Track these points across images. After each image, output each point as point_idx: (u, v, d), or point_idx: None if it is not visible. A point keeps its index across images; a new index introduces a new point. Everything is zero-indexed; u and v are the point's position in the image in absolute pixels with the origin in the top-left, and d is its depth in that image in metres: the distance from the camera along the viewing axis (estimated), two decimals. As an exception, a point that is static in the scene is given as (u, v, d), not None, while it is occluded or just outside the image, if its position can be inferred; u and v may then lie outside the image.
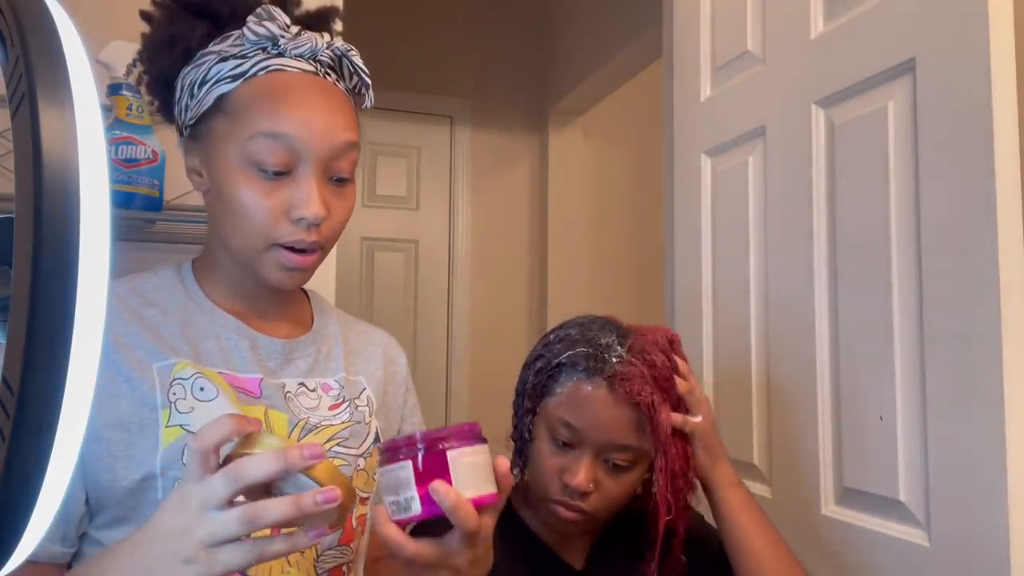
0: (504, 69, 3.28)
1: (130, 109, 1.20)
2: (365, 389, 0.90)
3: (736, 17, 1.38)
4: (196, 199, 1.32)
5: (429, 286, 3.21)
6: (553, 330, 0.98)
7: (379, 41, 3.20)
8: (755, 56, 1.33)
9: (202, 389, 0.76)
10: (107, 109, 1.21)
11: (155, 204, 1.22)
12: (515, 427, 0.97)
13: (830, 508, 1.13)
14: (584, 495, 0.87)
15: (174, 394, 0.75)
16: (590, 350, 0.89)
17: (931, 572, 0.95)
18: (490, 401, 3.08)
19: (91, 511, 0.74)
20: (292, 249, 0.77)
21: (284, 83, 0.77)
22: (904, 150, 1.01)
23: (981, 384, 0.89)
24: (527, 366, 0.97)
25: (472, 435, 0.65)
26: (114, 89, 1.20)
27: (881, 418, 1.04)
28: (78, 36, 0.26)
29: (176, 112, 0.82)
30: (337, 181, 0.79)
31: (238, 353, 0.81)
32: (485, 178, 3.25)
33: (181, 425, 0.74)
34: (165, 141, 1.25)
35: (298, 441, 0.80)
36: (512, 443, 0.97)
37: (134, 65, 0.85)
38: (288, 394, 0.82)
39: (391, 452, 0.65)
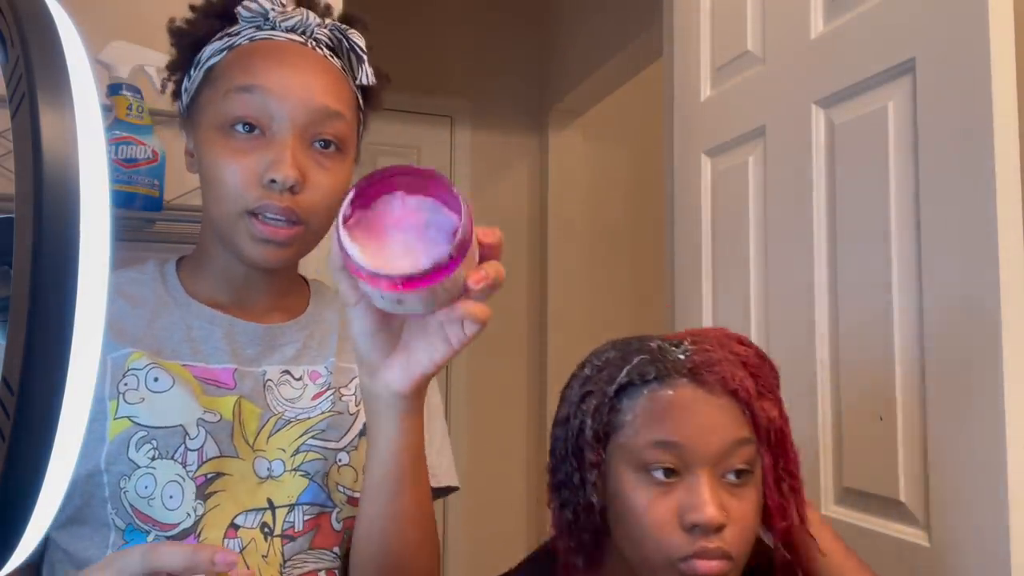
0: (504, 69, 3.28)
1: (130, 109, 1.20)
2: (355, 378, 0.83)
3: (736, 17, 1.38)
4: (196, 199, 1.33)
5: (429, 286, 3.21)
6: (582, 367, 0.77)
7: (379, 41, 3.18)
8: (755, 56, 1.33)
9: (156, 380, 0.74)
10: (107, 109, 1.21)
11: (155, 204, 1.22)
12: (567, 507, 0.74)
13: (830, 508, 1.13)
14: (720, 530, 0.66)
15: (125, 384, 0.73)
16: (649, 356, 0.72)
17: (931, 572, 0.95)
18: (488, 402, 3.09)
19: None
20: (264, 218, 0.73)
21: (265, 46, 0.76)
22: (904, 150, 1.01)
23: (981, 384, 0.89)
24: (565, 421, 0.75)
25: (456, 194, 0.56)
26: (114, 89, 1.20)
27: (881, 418, 1.04)
28: (78, 36, 0.26)
29: (180, 101, 0.82)
30: (322, 147, 0.75)
31: (209, 343, 0.78)
32: (485, 178, 3.25)
33: (128, 416, 0.72)
34: (165, 141, 1.25)
35: (268, 439, 0.77)
36: (566, 535, 0.74)
37: (168, 79, 0.84)
38: (269, 383, 0.79)
39: (427, 276, 0.51)
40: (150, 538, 0.70)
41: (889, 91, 1.04)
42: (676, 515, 0.67)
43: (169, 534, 0.70)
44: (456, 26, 3.22)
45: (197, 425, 0.74)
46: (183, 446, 0.72)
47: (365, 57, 0.81)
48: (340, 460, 0.79)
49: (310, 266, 1.02)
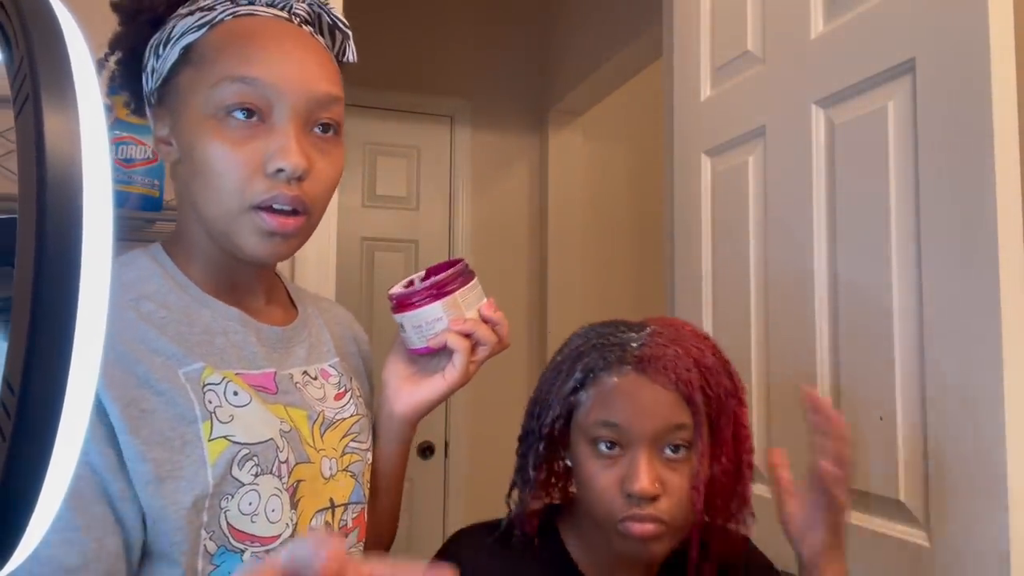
0: (504, 69, 3.28)
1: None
2: (353, 378, 0.87)
3: (736, 17, 1.38)
4: (196, 199, 1.33)
5: (429, 286, 3.21)
6: (558, 352, 0.89)
7: (379, 41, 3.20)
8: (755, 56, 1.33)
9: (235, 394, 0.70)
10: (107, 109, 1.21)
11: (154, 204, 1.22)
12: (538, 466, 0.87)
13: (830, 508, 1.13)
14: (653, 499, 0.77)
15: (210, 402, 0.68)
16: (606, 348, 0.82)
17: (931, 572, 0.95)
18: (488, 399, 3.08)
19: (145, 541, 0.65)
20: (271, 210, 0.69)
21: (254, 26, 0.71)
22: (904, 150, 1.01)
23: (980, 384, 0.89)
24: (537, 400, 0.87)
25: (467, 272, 0.85)
26: (114, 89, 1.20)
27: (881, 418, 1.04)
28: (82, 36, 0.26)
29: (143, 83, 0.75)
30: (321, 130, 0.72)
31: (248, 348, 0.74)
32: (485, 178, 3.25)
33: (225, 436, 0.67)
34: (165, 141, 1.25)
35: (322, 438, 0.77)
36: (522, 493, 0.88)
37: (105, 59, 0.77)
38: (297, 384, 0.77)
39: (409, 299, 0.83)
40: (245, 556, 0.67)
41: (889, 91, 1.04)
42: (618, 483, 0.78)
43: (268, 547, 0.69)
44: (456, 26, 3.22)
45: (281, 436, 0.72)
46: (276, 459, 0.71)
47: (350, 33, 0.78)
48: (367, 460, 0.83)
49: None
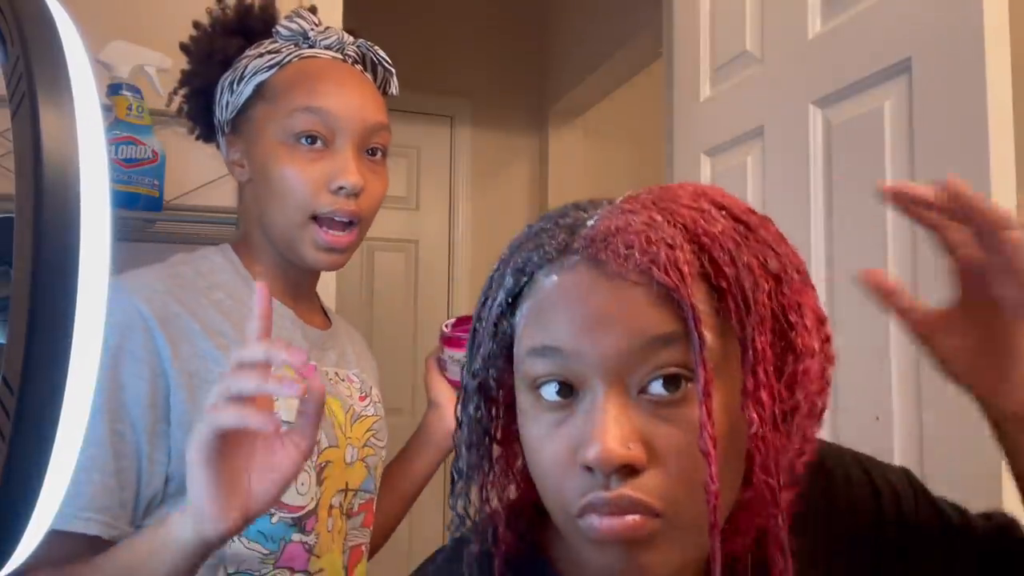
0: (504, 69, 3.28)
1: (130, 109, 1.20)
2: (372, 387, 0.96)
3: (735, 17, 1.38)
4: (196, 199, 1.33)
5: (429, 286, 3.21)
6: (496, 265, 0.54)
7: (379, 41, 3.18)
8: (753, 56, 1.33)
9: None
10: (107, 109, 1.21)
11: (155, 204, 1.22)
12: (482, 437, 0.53)
13: (830, 508, 1.13)
14: (634, 472, 0.43)
15: None
16: (547, 230, 0.50)
17: (931, 572, 0.95)
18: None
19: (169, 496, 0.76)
20: (331, 224, 0.81)
21: (318, 66, 0.84)
22: (900, 150, 1.02)
23: (981, 384, 0.89)
24: (472, 341, 0.53)
25: None
26: (114, 89, 1.20)
27: (878, 418, 1.04)
28: (78, 36, 0.26)
29: (216, 114, 0.87)
30: (371, 154, 0.85)
31: (295, 342, 0.85)
32: (485, 178, 3.25)
33: None
34: (165, 141, 1.25)
35: (351, 427, 0.87)
36: (468, 478, 0.53)
37: (175, 93, 0.91)
38: (331, 381, 0.87)
39: (456, 338, 0.95)
40: (274, 519, 0.77)
41: (885, 90, 1.04)
42: (571, 452, 0.45)
43: (296, 515, 0.79)
44: (456, 26, 3.22)
45: None
46: None
47: (394, 71, 0.91)
48: (382, 456, 0.93)
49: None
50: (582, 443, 0.44)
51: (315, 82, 0.82)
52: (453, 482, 0.53)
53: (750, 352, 0.45)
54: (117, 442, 0.72)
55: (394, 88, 0.92)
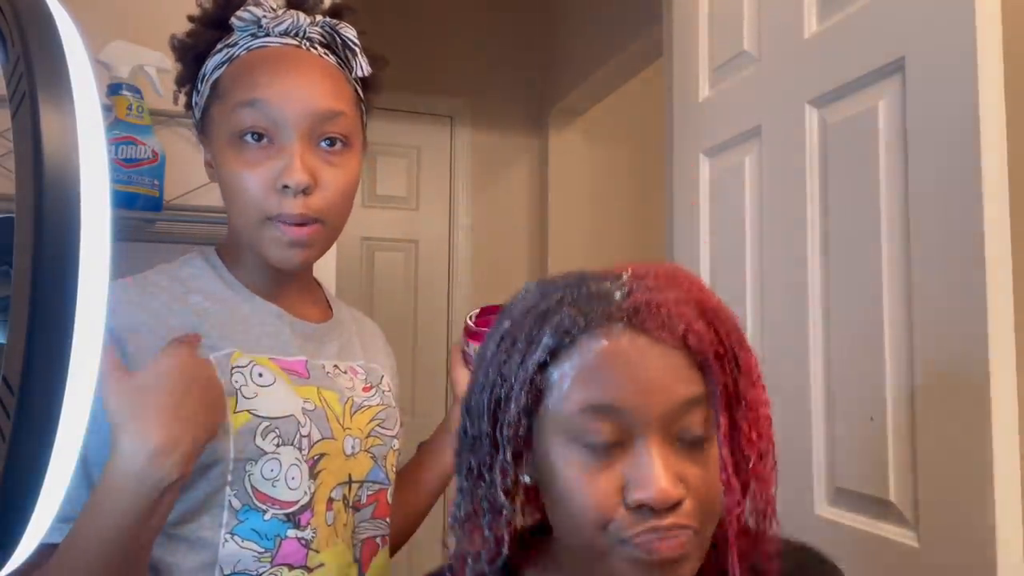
0: (504, 69, 3.28)
1: (130, 109, 1.20)
2: (384, 376, 0.94)
3: (733, 17, 1.38)
4: (196, 199, 1.33)
5: (429, 286, 3.21)
6: (501, 319, 0.61)
7: (379, 41, 3.18)
8: (751, 56, 1.33)
9: (260, 375, 0.79)
10: (107, 109, 1.21)
11: (155, 204, 1.22)
12: (482, 497, 0.59)
13: (823, 508, 1.13)
14: (677, 505, 0.53)
15: (236, 382, 0.77)
16: (579, 297, 0.57)
17: (919, 572, 0.95)
18: (490, 401, 3.08)
19: None
20: (286, 222, 0.77)
21: (263, 55, 0.79)
22: (894, 150, 1.02)
23: (969, 386, 0.89)
24: (481, 389, 0.59)
25: None
26: (114, 89, 1.20)
27: (872, 419, 1.04)
28: (79, 36, 0.26)
29: (194, 115, 0.85)
30: (327, 145, 0.78)
31: (282, 337, 0.83)
32: (485, 178, 3.25)
33: (248, 410, 0.76)
34: (165, 141, 1.25)
35: (351, 418, 0.85)
36: (460, 526, 0.60)
37: (179, 91, 0.88)
38: (329, 374, 0.86)
39: (477, 332, 0.90)
40: (267, 516, 0.77)
41: (879, 90, 1.04)
42: (618, 492, 0.53)
43: (288, 511, 0.78)
44: (456, 26, 3.22)
45: (303, 413, 0.80)
46: (298, 433, 0.79)
47: (358, 49, 0.83)
48: (393, 446, 0.90)
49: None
50: (636, 484, 0.53)
51: (256, 73, 0.77)
52: (462, 521, 0.60)
53: (742, 403, 0.57)
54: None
55: (361, 68, 0.83)
